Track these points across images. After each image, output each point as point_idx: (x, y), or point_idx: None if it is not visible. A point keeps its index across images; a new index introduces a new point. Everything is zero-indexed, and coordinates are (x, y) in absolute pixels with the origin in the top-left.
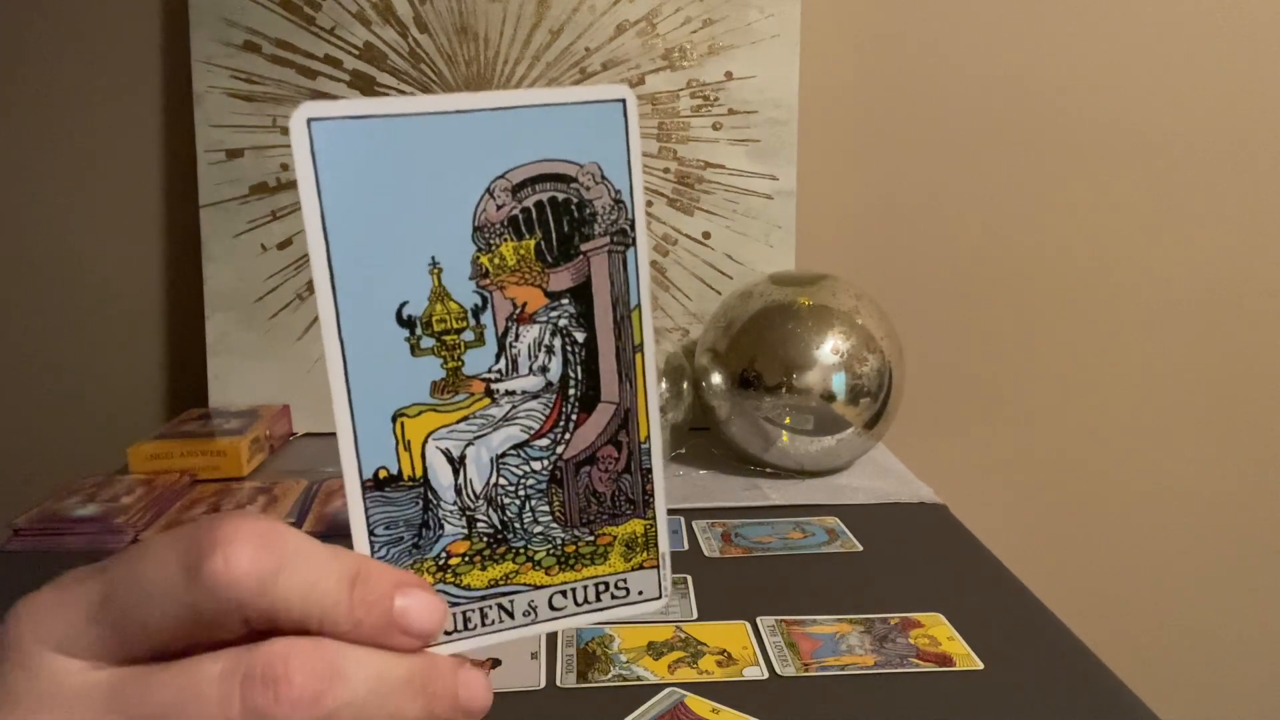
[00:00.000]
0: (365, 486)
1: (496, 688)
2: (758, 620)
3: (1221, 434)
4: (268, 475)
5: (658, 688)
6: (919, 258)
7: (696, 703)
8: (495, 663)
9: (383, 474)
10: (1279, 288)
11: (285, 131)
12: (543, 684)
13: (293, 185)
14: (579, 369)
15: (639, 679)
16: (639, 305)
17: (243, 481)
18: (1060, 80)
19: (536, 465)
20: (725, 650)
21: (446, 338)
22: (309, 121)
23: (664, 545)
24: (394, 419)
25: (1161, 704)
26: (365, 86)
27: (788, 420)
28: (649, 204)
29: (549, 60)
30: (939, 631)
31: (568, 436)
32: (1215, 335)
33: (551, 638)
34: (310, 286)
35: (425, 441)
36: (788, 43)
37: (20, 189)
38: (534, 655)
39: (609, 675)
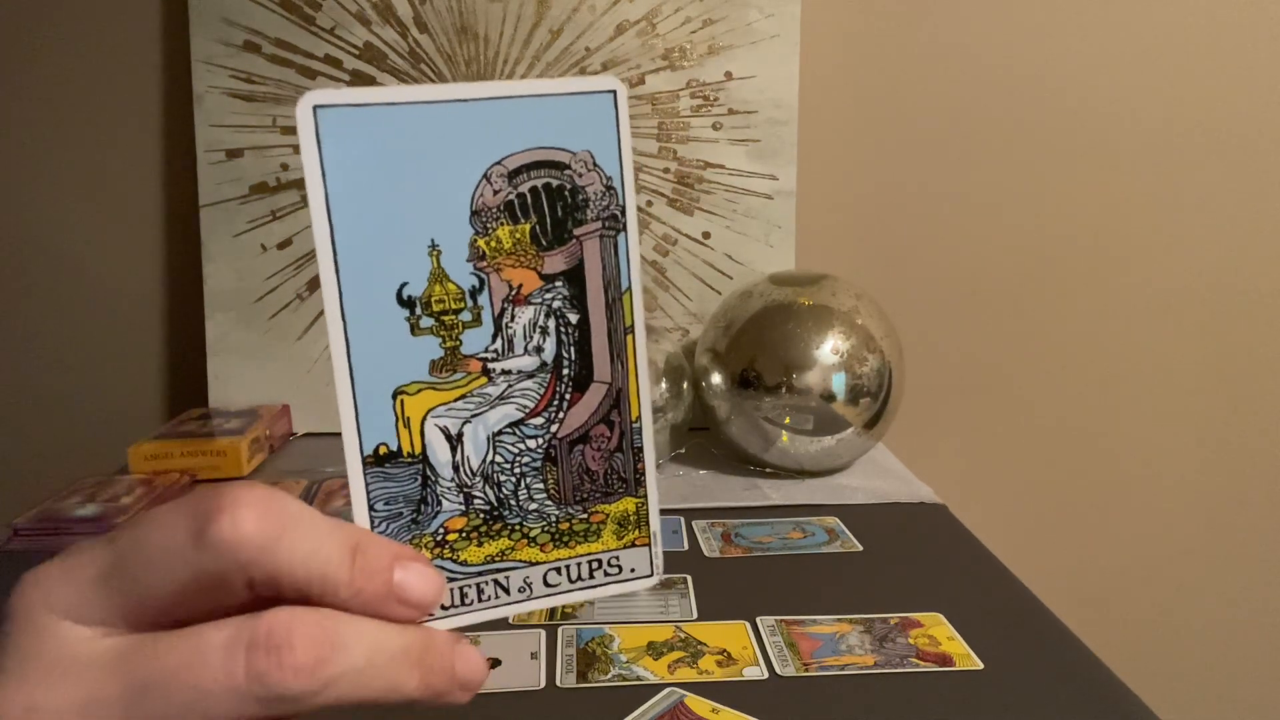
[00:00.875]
0: (366, 462)
1: (496, 688)
2: (758, 620)
3: (1222, 434)
4: (268, 475)
5: (658, 688)
6: (919, 258)
7: (696, 703)
8: (495, 662)
9: (383, 450)
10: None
11: (285, 131)
12: (543, 684)
13: (292, 185)
14: (572, 349)
15: (639, 679)
16: (630, 288)
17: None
18: (1060, 79)
19: (531, 443)
20: (725, 650)
21: (445, 318)
22: (315, 108)
23: (655, 523)
24: (394, 396)
25: (1161, 704)
26: (365, 86)
27: (788, 420)
28: (649, 204)
29: (549, 60)
30: (939, 631)
31: (562, 415)
32: (1216, 335)
33: (551, 638)
34: (310, 286)
35: (424, 419)
36: (788, 43)
37: (21, 189)
38: (534, 655)
39: (609, 675)
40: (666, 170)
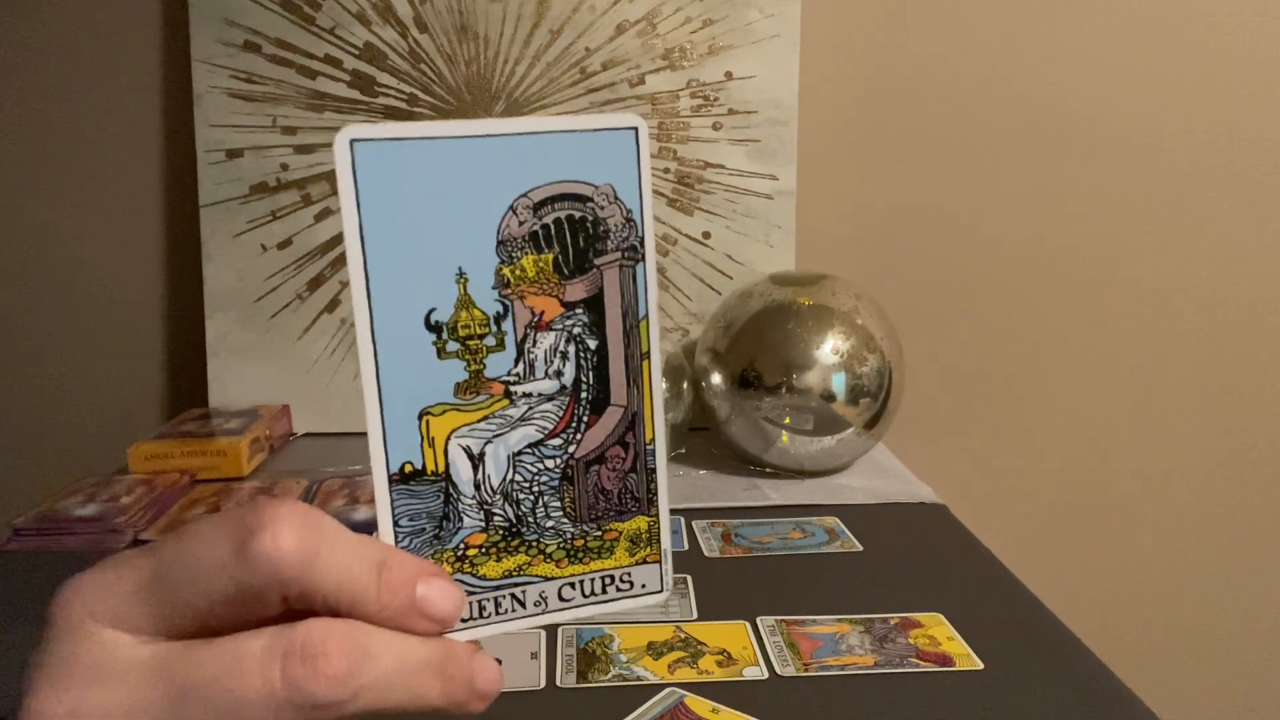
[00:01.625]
0: (392, 480)
1: None
2: (758, 620)
3: (1221, 434)
4: (268, 475)
5: (658, 688)
6: (919, 258)
7: (696, 703)
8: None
9: (408, 468)
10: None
11: (285, 131)
12: (543, 684)
13: (292, 185)
14: (591, 374)
15: (639, 679)
16: (646, 316)
17: (243, 481)
18: (1060, 80)
19: (550, 463)
20: (725, 650)
21: (470, 342)
22: (352, 142)
23: (666, 541)
24: (420, 417)
25: (1161, 704)
26: (365, 86)
27: (788, 420)
28: None
29: (549, 60)
30: (939, 631)
31: (579, 437)
32: (1216, 335)
33: (551, 638)
34: (310, 286)
35: (448, 439)
36: (788, 43)
37: (20, 189)
38: (534, 655)
39: (609, 675)
40: (666, 170)
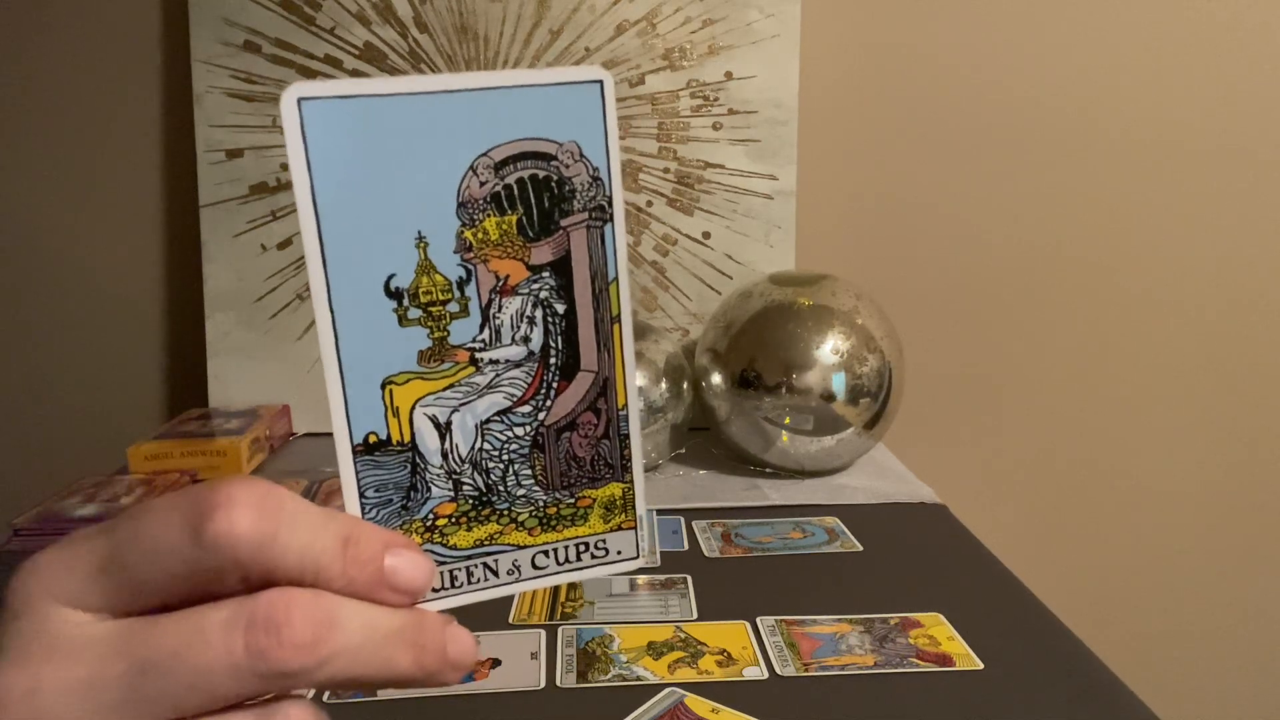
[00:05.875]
0: (356, 451)
1: (496, 688)
2: (758, 620)
3: (1221, 435)
4: (267, 475)
5: (658, 688)
6: (919, 258)
7: (696, 703)
8: (495, 662)
9: (372, 439)
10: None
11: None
12: (543, 684)
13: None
14: (559, 339)
15: (639, 679)
16: (616, 278)
17: None
18: (1059, 81)
19: (519, 431)
20: (725, 650)
21: (433, 309)
22: (299, 101)
23: (641, 508)
24: (383, 386)
25: (1161, 704)
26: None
27: (787, 420)
28: (649, 204)
29: (549, 60)
30: (939, 631)
31: (549, 404)
32: (1215, 337)
33: (551, 638)
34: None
35: (413, 408)
36: (788, 43)
37: (20, 189)
38: (534, 655)
39: (609, 675)
40: (666, 170)
